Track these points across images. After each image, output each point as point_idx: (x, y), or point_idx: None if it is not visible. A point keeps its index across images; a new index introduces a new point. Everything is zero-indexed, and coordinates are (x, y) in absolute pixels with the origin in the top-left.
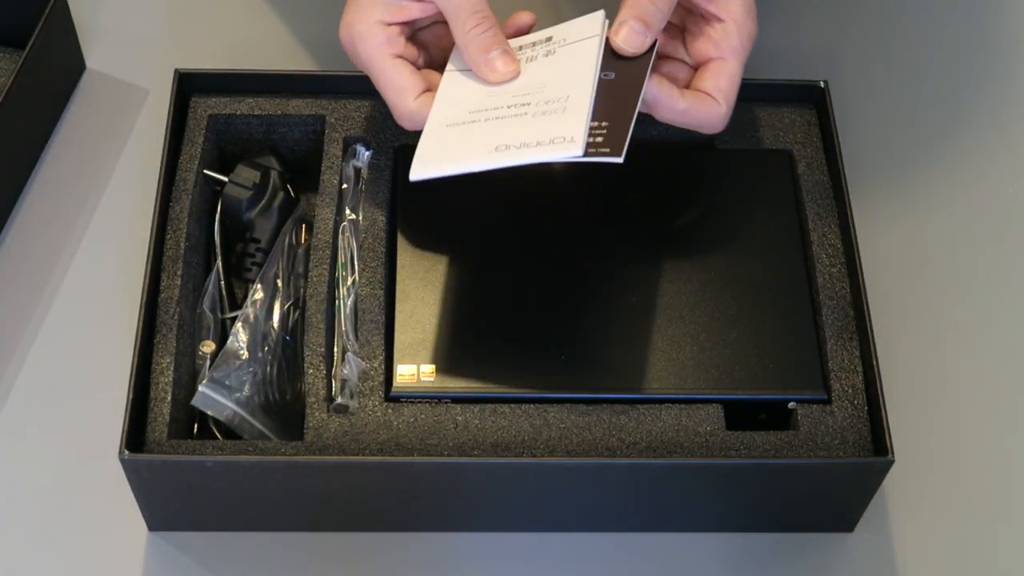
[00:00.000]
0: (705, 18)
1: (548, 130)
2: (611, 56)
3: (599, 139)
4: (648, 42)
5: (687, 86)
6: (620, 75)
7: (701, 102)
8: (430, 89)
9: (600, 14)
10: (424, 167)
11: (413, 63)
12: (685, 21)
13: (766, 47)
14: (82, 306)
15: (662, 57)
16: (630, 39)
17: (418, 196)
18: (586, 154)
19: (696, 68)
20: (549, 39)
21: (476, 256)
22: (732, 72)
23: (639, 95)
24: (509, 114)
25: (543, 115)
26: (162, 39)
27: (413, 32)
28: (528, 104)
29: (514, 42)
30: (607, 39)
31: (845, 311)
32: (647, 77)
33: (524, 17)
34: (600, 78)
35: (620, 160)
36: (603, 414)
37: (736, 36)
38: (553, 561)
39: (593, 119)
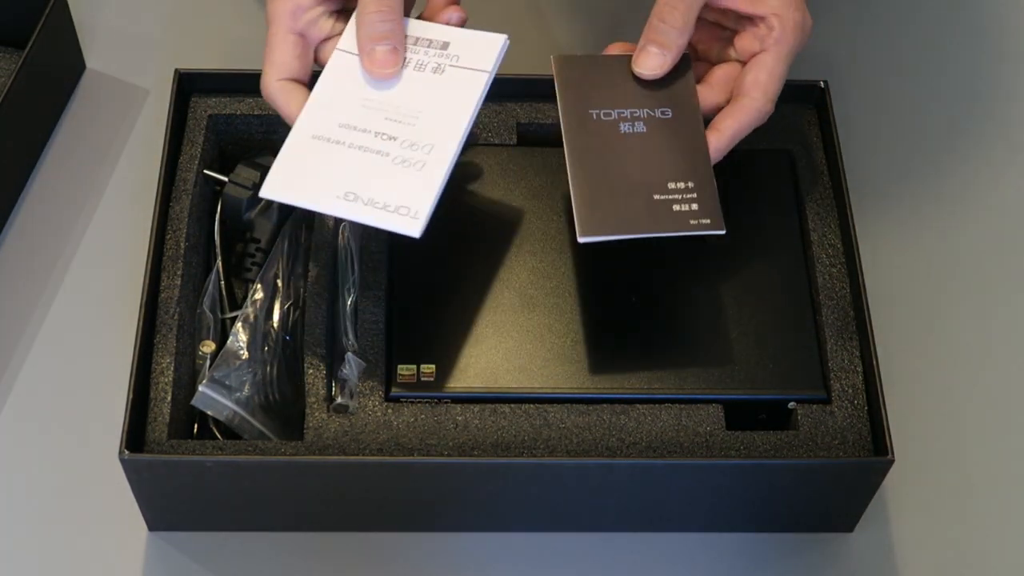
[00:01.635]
0: (751, 19)
1: (398, 191)
2: (652, 86)
3: (694, 207)
4: (667, 63)
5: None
6: (676, 113)
7: (737, 113)
8: (305, 79)
9: (502, 39)
10: (274, 188)
11: (318, 40)
12: (735, 25)
13: None
14: (82, 306)
15: (717, 62)
16: (648, 63)
17: None
18: (688, 227)
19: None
20: (445, 46)
21: (476, 256)
22: (770, 64)
23: (705, 142)
24: (373, 147)
25: (402, 164)
26: (162, 39)
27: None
28: (395, 139)
29: (416, 29)
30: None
31: (845, 311)
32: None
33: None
34: (658, 117)
35: (724, 232)
36: (603, 414)
37: (779, 28)
38: (553, 561)
39: (675, 179)
